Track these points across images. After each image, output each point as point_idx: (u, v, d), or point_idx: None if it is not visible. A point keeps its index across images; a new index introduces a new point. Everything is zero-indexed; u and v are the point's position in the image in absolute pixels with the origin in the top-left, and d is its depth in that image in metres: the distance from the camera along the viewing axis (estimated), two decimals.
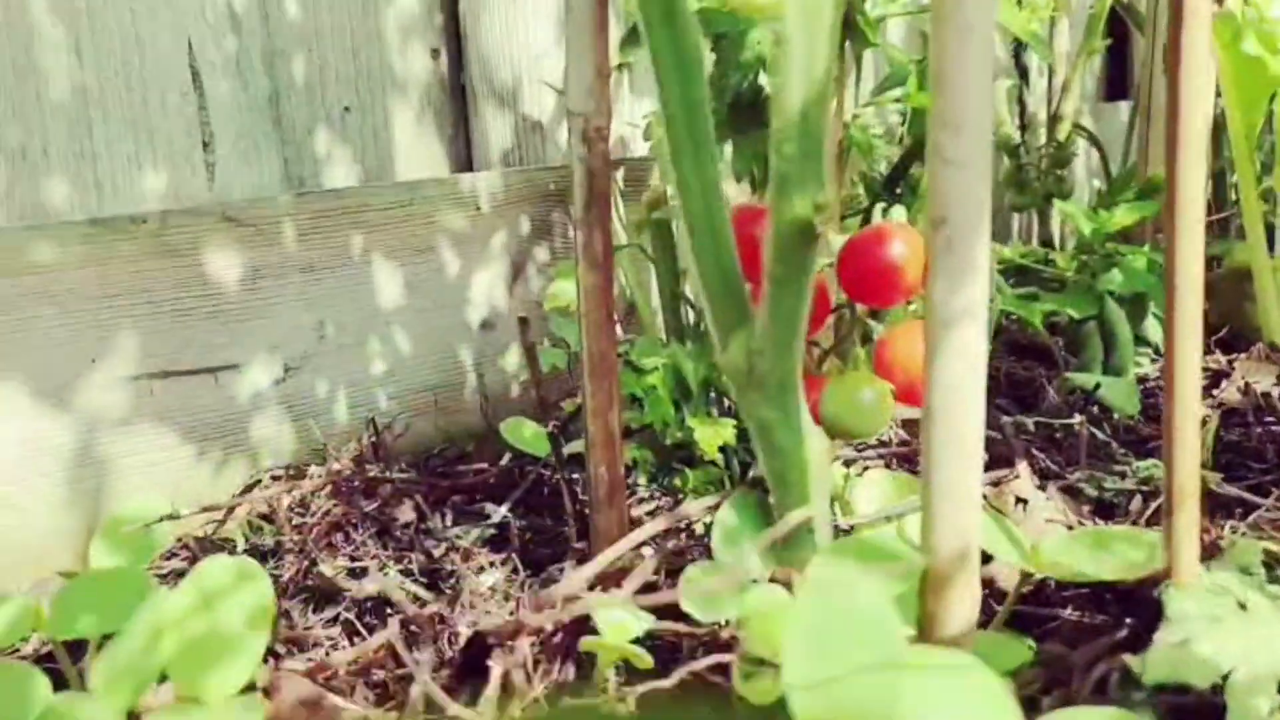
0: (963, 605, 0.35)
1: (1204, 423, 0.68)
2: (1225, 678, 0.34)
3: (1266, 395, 0.73)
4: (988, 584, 0.49)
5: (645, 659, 0.39)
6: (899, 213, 0.50)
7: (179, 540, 0.73)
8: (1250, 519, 0.50)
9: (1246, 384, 0.76)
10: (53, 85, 0.76)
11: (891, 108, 0.89)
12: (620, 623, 0.40)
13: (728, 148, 0.66)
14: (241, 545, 0.73)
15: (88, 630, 0.49)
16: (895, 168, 0.68)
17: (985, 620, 0.45)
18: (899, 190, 0.68)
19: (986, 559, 0.49)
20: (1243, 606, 0.37)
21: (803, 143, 0.31)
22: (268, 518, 0.76)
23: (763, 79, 0.63)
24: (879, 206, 0.60)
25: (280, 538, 0.72)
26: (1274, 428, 0.66)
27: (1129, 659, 0.36)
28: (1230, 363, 0.84)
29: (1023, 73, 1.05)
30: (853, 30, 0.63)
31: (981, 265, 0.31)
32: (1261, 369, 0.82)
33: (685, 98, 0.34)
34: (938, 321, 0.32)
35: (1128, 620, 0.43)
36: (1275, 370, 0.80)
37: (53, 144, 0.77)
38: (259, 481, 0.81)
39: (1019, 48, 1.04)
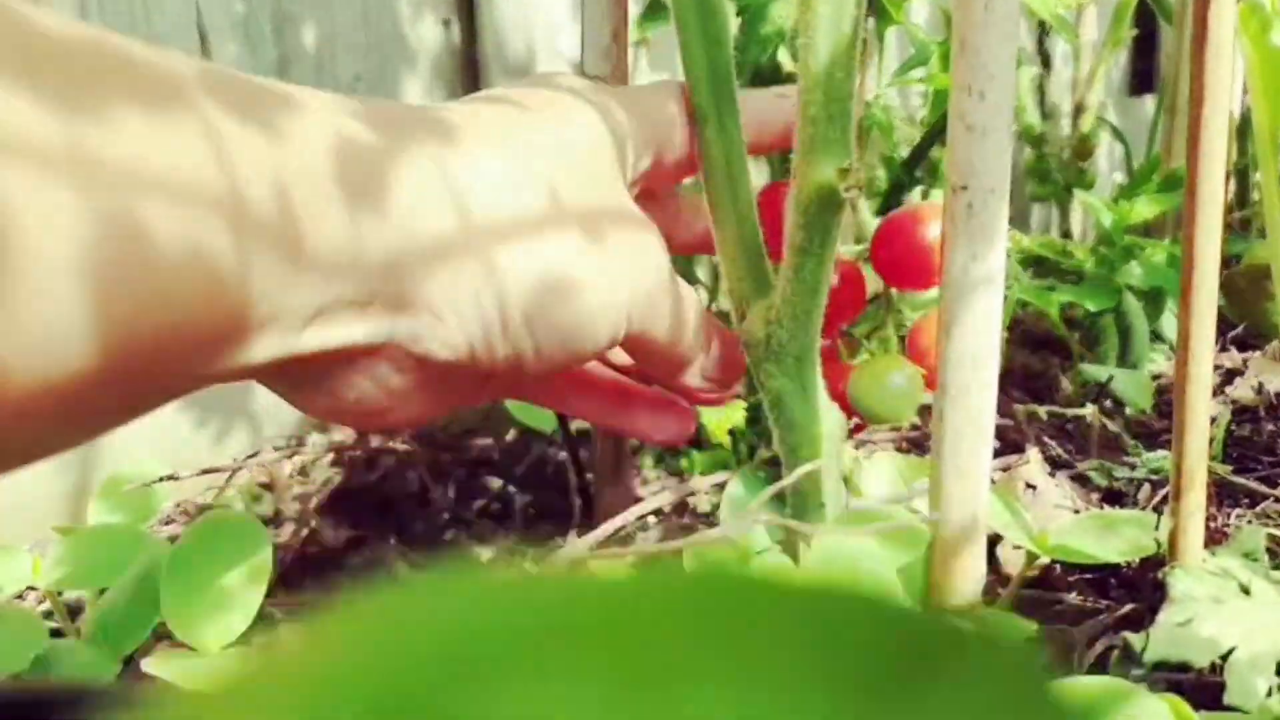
0: (968, 577, 0.35)
1: (1215, 419, 0.68)
2: (1225, 657, 0.34)
3: (1279, 394, 0.73)
4: (994, 569, 0.49)
5: None
6: (936, 196, 0.49)
7: (177, 506, 0.73)
8: (1258, 508, 0.50)
9: (1259, 382, 0.76)
10: None
11: (914, 89, 0.89)
12: None
13: None
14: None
15: (84, 583, 0.49)
16: (916, 149, 0.68)
17: (991, 604, 0.45)
18: (919, 173, 0.68)
19: (994, 541, 0.49)
20: (1245, 590, 0.37)
21: (828, 105, 0.31)
22: (268, 486, 0.76)
23: (783, 54, 0.63)
24: (917, 190, 0.59)
25: (280, 506, 0.72)
26: None
27: (1130, 636, 0.36)
28: (1245, 361, 0.84)
29: (1045, 61, 1.04)
30: (876, 9, 0.62)
31: (1002, 232, 0.31)
32: (1275, 368, 0.81)
33: (710, 59, 0.34)
34: (956, 290, 0.32)
35: (1130, 604, 0.43)
36: None
37: None
38: (259, 451, 0.81)
39: (1043, 35, 1.04)
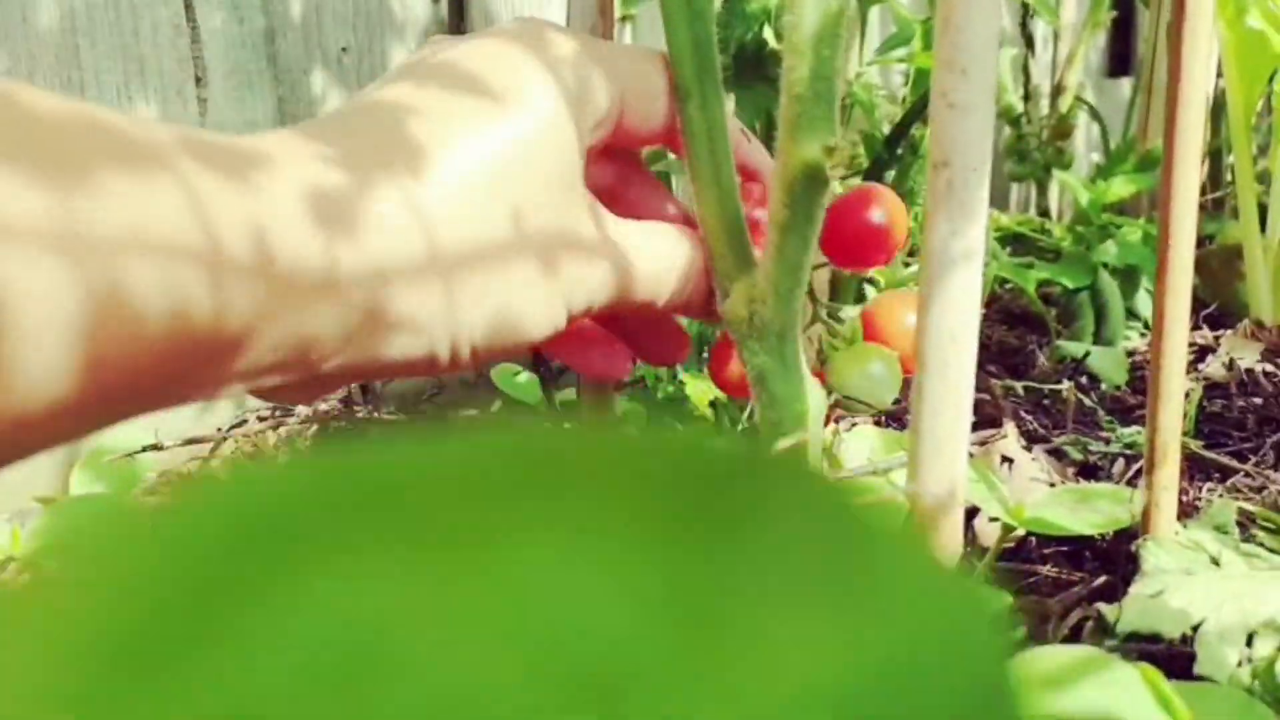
0: (945, 549, 0.36)
1: (1188, 395, 0.69)
2: (1195, 628, 0.35)
3: (1250, 371, 0.74)
4: (970, 541, 0.50)
5: None
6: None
7: (161, 476, 0.73)
8: (1228, 483, 0.51)
9: (1231, 359, 0.77)
10: (40, 10, 0.75)
11: (895, 68, 0.89)
12: None
13: (729, 103, 0.66)
14: None
15: None
16: (897, 127, 0.68)
17: (967, 576, 0.46)
18: (900, 150, 0.68)
19: (970, 514, 0.50)
20: (1216, 562, 0.38)
21: (815, 83, 0.31)
22: (253, 456, 0.76)
23: (767, 32, 0.63)
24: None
25: None
26: (1256, 400, 0.67)
27: (1104, 608, 0.37)
28: (1217, 339, 0.85)
29: (1029, 42, 1.05)
30: None
31: (983, 210, 0.31)
32: (1247, 346, 0.83)
33: (693, 35, 0.34)
34: (935, 265, 0.32)
35: (1104, 576, 0.44)
36: (1260, 347, 0.81)
37: (39, 71, 0.75)
38: (245, 421, 0.81)
39: (1026, 16, 1.04)
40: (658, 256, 0.36)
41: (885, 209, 0.40)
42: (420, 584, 0.07)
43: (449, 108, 0.31)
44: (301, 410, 0.81)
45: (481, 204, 0.31)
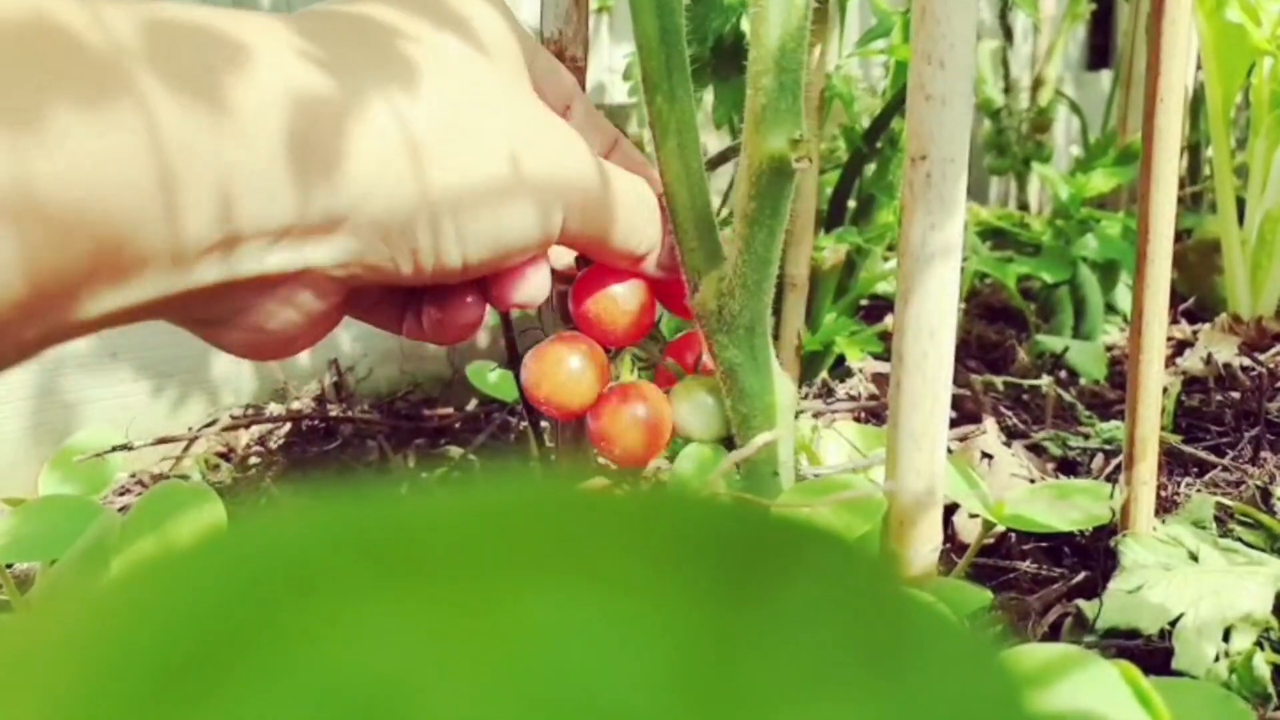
0: (924, 547, 0.36)
1: (1166, 389, 0.69)
2: (1174, 623, 0.35)
3: (1227, 365, 0.74)
4: (949, 538, 0.50)
5: None
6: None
7: (133, 476, 0.72)
8: (1206, 477, 0.51)
9: (1209, 354, 0.77)
10: None
11: (875, 60, 0.89)
12: None
13: (708, 95, 0.65)
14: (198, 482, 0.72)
15: (33, 556, 0.48)
16: (877, 120, 0.67)
17: (946, 572, 0.46)
18: (879, 144, 0.68)
19: (950, 510, 0.50)
20: (1194, 557, 0.38)
21: (780, 75, 0.30)
22: (225, 456, 0.75)
23: (744, 23, 0.62)
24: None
25: (238, 475, 0.71)
26: (1233, 394, 0.67)
27: (1083, 604, 0.36)
28: (1195, 333, 0.85)
29: (1008, 34, 1.05)
30: None
31: (961, 203, 0.31)
32: (1224, 340, 0.83)
33: (661, 26, 0.34)
34: (914, 259, 0.32)
35: (1084, 572, 0.44)
36: (1237, 341, 0.81)
37: None
38: (216, 420, 0.80)
39: (1005, 8, 1.04)
40: (635, 195, 0.35)
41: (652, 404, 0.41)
42: (432, 640, 0.07)
43: (440, 38, 0.30)
44: (274, 409, 0.80)
45: (474, 132, 0.30)
